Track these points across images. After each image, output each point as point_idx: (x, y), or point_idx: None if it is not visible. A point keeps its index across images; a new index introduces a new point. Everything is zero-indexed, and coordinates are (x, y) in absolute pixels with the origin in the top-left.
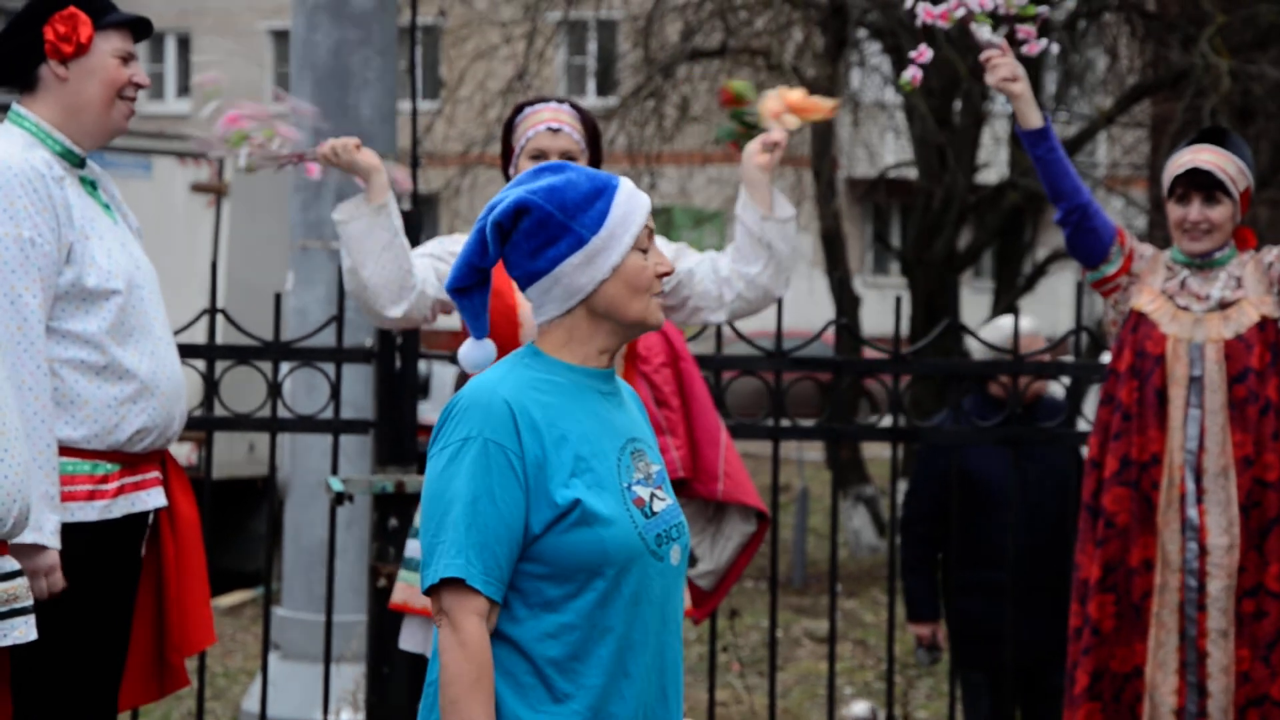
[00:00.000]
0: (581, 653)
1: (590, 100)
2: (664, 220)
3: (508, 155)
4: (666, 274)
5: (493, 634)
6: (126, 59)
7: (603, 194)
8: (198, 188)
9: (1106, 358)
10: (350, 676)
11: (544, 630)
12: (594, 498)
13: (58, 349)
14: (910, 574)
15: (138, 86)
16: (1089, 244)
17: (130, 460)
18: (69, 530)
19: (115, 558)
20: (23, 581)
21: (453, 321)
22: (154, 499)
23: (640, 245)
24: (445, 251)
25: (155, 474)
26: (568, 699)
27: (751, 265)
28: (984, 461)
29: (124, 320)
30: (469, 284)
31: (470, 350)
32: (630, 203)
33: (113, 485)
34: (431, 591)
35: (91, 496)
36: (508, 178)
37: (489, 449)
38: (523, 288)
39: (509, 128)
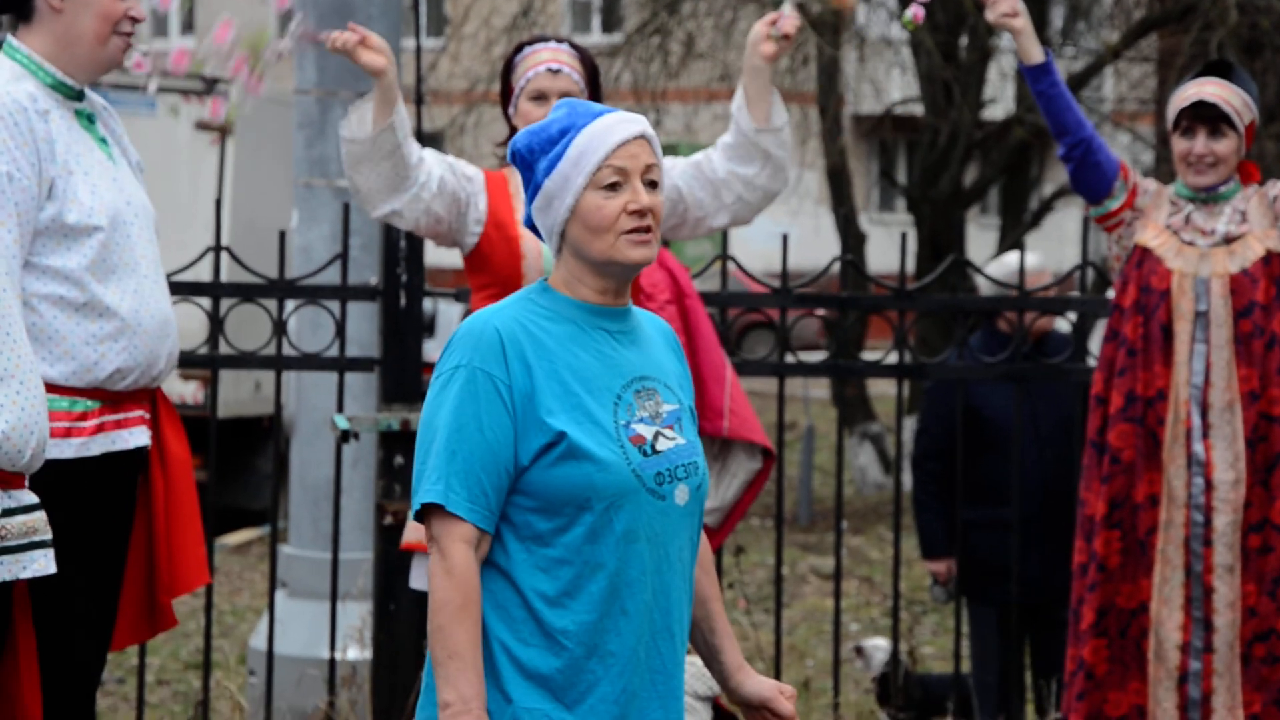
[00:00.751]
0: (573, 589)
1: (595, 37)
2: (669, 158)
3: (507, 95)
4: (639, 211)
5: (486, 565)
6: None
7: (565, 135)
8: (202, 125)
9: (1112, 294)
10: (356, 613)
11: (534, 564)
12: (582, 433)
13: (37, 284)
14: (923, 511)
15: (134, 21)
16: (1092, 179)
17: (113, 398)
18: (48, 468)
19: (101, 496)
20: (41, 515)
21: (455, 259)
22: (136, 438)
23: (601, 184)
24: (460, 172)
25: (140, 413)
26: (560, 634)
27: (748, 167)
28: (992, 398)
29: (106, 257)
30: None
31: None
32: (589, 142)
33: (91, 423)
34: (420, 518)
35: (68, 434)
36: (507, 118)
37: (476, 377)
38: None
39: (508, 68)
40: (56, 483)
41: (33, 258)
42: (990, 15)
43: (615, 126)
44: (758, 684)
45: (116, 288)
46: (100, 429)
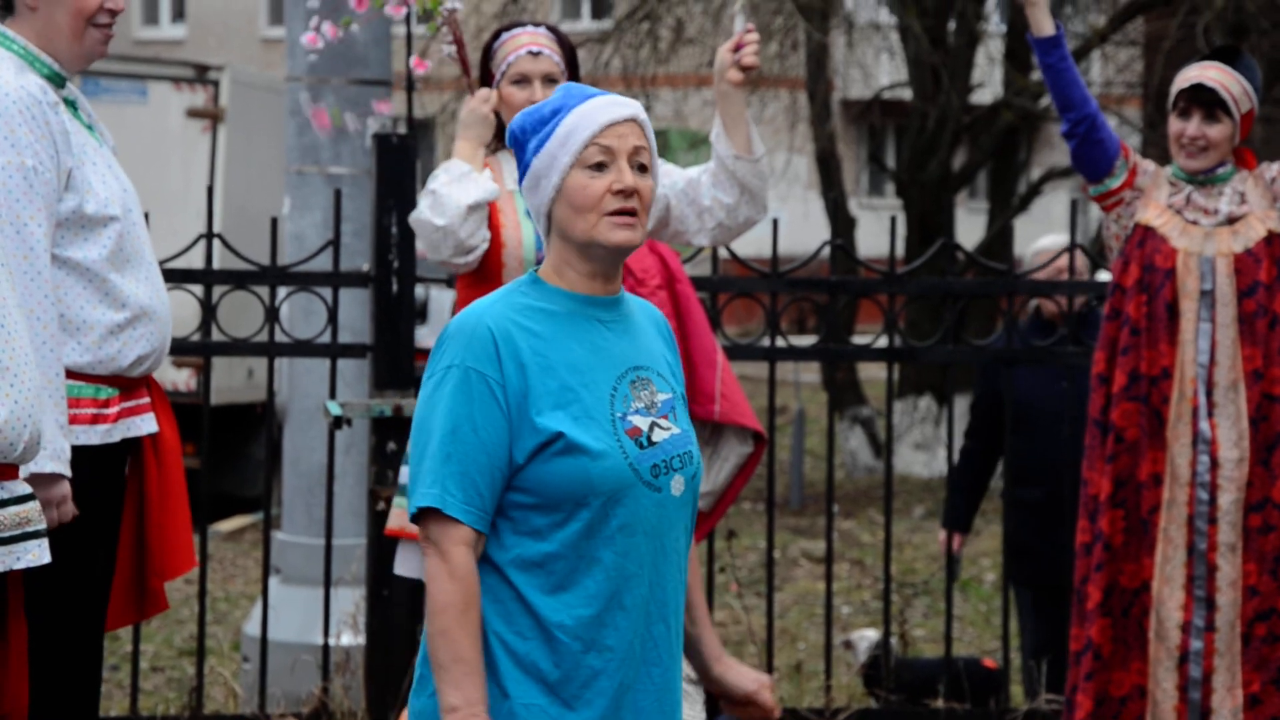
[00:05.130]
0: (568, 583)
1: (585, 23)
2: (660, 144)
3: (487, 82)
4: (623, 191)
5: (483, 561)
6: None
7: (556, 115)
8: (193, 113)
9: (1103, 276)
10: (350, 599)
11: (530, 559)
12: (578, 429)
13: (60, 275)
14: (951, 486)
15: (112, 12)
16: (1095, 156)
17: (127, 385)
18: (77, 453)
19: (109, 481)
20: (35, 505)
21: None
22: (147, 424)
23: (587, 162)
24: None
25: (148, 399)
26: (557, 629)
27: (728, 194)
28: (1025, 381)
29: (122, 247)
30: None
31: None
32: (579, 121)
33: (113, 410)
34: (417, 521)
35: (95, 420)
36: None
37: (470, 377)
38: None
39: (487, 54)
40: (84, 469)
41: (55, 250)
42: None
43: (605, 107)
44: (739, 675)
45: (133, 276)
46: (120, 415)
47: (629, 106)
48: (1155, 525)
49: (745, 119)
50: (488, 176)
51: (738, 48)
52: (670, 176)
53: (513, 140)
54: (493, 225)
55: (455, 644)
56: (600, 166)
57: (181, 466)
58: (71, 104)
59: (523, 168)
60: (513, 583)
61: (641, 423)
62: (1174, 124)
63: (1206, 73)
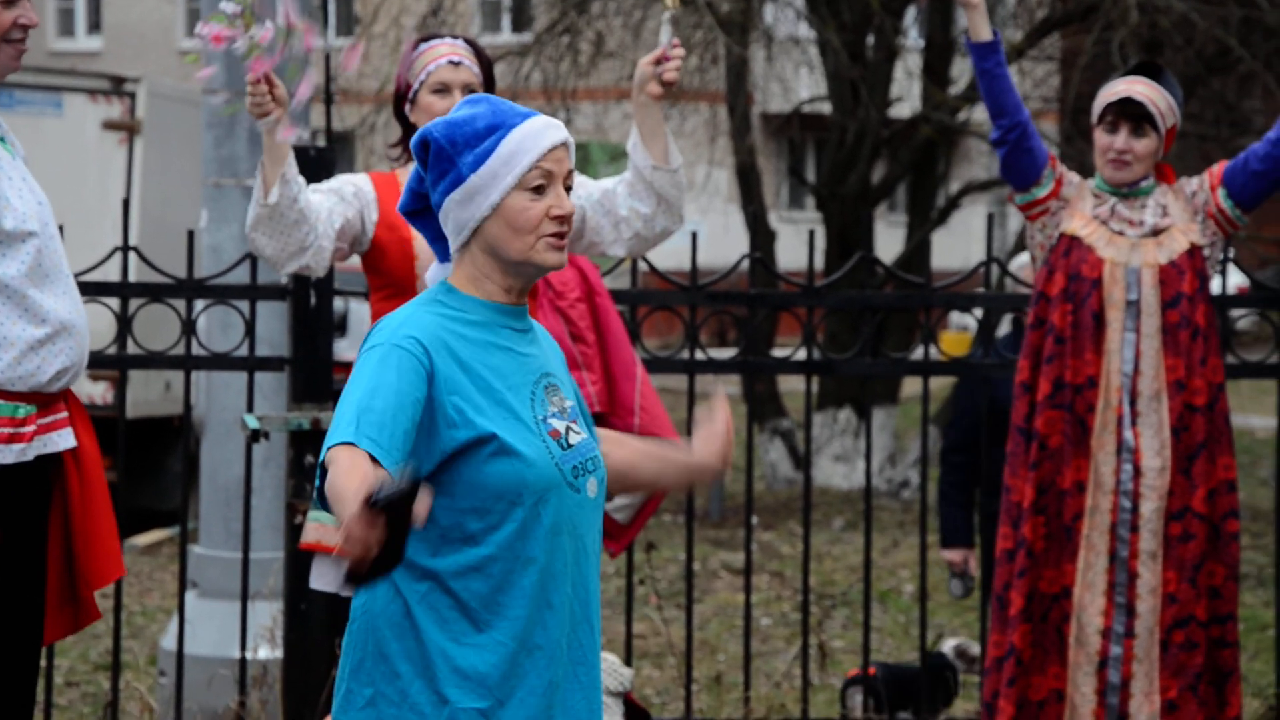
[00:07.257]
0: (505, 584)
1: (505, 36)
2: (581, 156)
3: (402, 94)
4: (561, 217)
5: (420, 573)
6: (10, 1)
7: (495, 131)
8: (109, 125)
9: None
10: (268, 613)
11: (466, 564)
12: (509, 431)
13: None
14: (944, 502)
15: (25, 28)
16: (1024, 164)
17: (45, 401)
18: None
19: (28, 498)
20: None
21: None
22: (65, 440)
23: (529, 185)
24: (347, 194)
25: (65, 414)
26: (494, 630)
27: (645, 205)
28: (1006, 391)
29: (41, 262)
30: (419, 208)
31: (435, 273)
32: (523, 142)
33: (30, 428)
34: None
35: (10, 440)
36: (400, 115)
37: (393, 351)
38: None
39: (405, 64)
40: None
41: None
42: None
43: (546, 130)
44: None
45: (51, 291)
46: (37, 433)
47: (562, 129)
48: (1078, 532)
49: (663, 130)
50: (259, 185)
51: (659, 61)
52: (585, 188)
53: (431, 148)
54: (406, 238)
55: (343, 487)
56: (539, 189)
57: (103, 477)
58: None
59: (451, 180)
60: (451, 589)
61: (559, 426)
62: (1101, 137)
63: (1134, 87)
